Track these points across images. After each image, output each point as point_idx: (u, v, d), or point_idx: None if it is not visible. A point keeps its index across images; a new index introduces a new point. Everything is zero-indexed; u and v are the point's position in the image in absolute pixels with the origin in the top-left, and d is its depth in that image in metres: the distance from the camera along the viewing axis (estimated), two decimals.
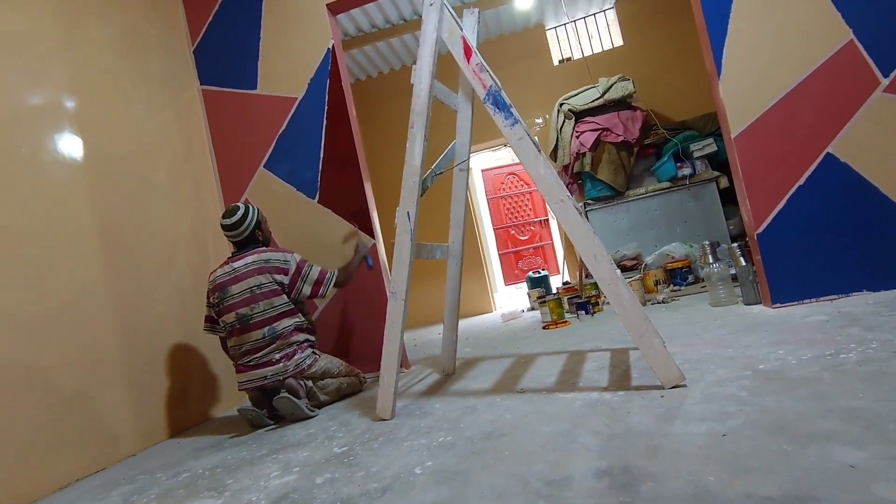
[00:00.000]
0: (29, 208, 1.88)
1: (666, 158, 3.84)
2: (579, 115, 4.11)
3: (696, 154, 3.76)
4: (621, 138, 3.88)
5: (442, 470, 1.20)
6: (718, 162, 3.79)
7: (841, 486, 0.80)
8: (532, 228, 7.69)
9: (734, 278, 2.66)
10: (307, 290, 2.13)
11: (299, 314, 2.13)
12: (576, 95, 4.18)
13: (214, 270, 2.15)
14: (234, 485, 1.42)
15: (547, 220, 7.61)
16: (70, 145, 2.11)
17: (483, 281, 5.02)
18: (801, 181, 2.17)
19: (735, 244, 2.58)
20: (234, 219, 2.14)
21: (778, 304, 2.20)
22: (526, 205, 7.77)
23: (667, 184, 3.89)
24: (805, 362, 1.41)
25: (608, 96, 4.00)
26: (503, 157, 8.09)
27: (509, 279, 7.51)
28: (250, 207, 2.19)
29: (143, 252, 2.33)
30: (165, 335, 2.35)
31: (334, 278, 2.20)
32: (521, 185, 7.74)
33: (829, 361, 1.38)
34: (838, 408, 1.08)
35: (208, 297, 2.15)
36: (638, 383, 1.55)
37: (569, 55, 5.05)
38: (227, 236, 2.18)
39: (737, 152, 2.24)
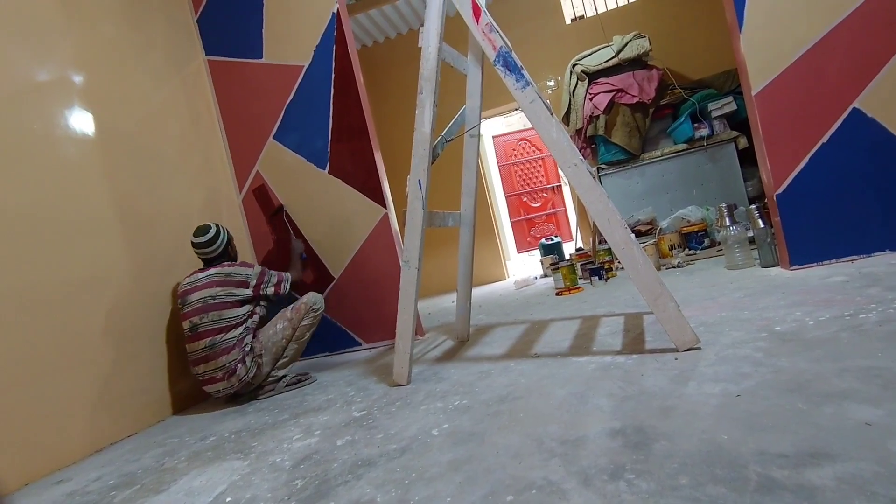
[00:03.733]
0: (45, 185, 1.91)
1: (683, 119, 3.72)
2: (592, 77, 3.98)
3: (715, 114, 3.63)
4: (636, 99, 3.76)
5: (458, 432, 1.23)
6: (738, 121, 3.67)
7: (856, 443, 0.80)
8: (544, 195, 7.60)
9: (751, 241, 2.62)
10: (270, 290, 2.21)
11: (246, 325, 2.11)
12: (589, 55, 4.04)
13: (182, 280, 2.19)
14: (259, 447, 1.48)
15: (560, 186, 7.51)
16: (81, 120, 2.11)
17: (495, 249, 5.01)
18: (825, 138, 2.10)
19: (753, 206, 2.52)
20: (207, 237, 2.17)
21: (796, 266, 2.17)
22: (538, 171, 7.65)
23: (683, 146, 3.79)
24: (823, 323, 1.40)
25: (623, 55, 3.86)
26: (514, 122, 7.93)
27: (522, 247, 7.49)
28: (220, 227, 2.24)
29: (159, 226, 2.36)
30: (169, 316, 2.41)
31: (289, 279, 2.30)
32: (534, 151, 7.61)
33: (848, 322, 1.36)
34: (856, 367, 1.07)
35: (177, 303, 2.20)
36: (652, 346, 1.56)
37: (582, 13, 4.85)
38: (197, 254, 2.21)
39: (758, 110, 2.16)
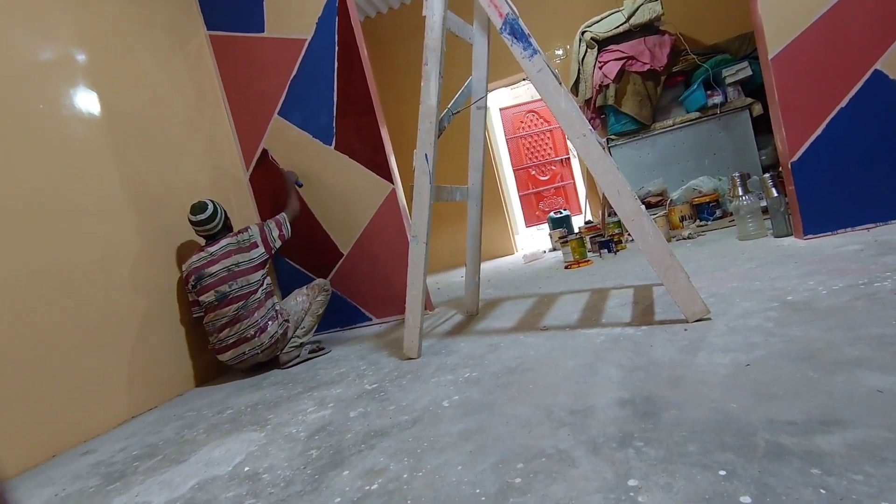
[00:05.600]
0: (52, 165, 1.92)
1: (695, 86, 3.62)
2: (602, 44, 3.87)
3: (729, 80, 3.53)
4: (647, 66, 3.65)
5: (468, 403, 1.25)
6: (753, 88, 3.55)
7: (867, 409, 0.80)
8: (553, 168, 7.51)
9: (764, 211, 2.57)
10: (277, 242, 2.35)
11: (264, 288, 2.23)
12: (599, 21, 3.92)
13: (189, 258, 2.22)
14: (275, 419, 1.52)
15: (568, 158, 7.40)
16: (86, 100, 2.11)
17: (504, 223, 4.99)
18: (844, 103, 2.03)
19: (767, 175, 2.47)
20: (207, 214, 2.22)
21: (810, 235, 2.13)
22: (546, 143, 7.54)
23: (696, 114, 3.70)
24: (836, 292, 1.38)
25: (634, 21, 3.73)
26: (521, 94, 7.77)
27: (530, 221, 7.45)
28: (216, 203, 2.28)
29: (167, 206, 2.37)
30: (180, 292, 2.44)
31: (286, 218, 2.43)
32: (542, 123, 7.49)
33: (862, 290, 1.34)
34: (868, 335, 1.07)
35: (186, 284, 2.23)
36: (661, 318, 1.56)
37: None
38: (198, 231, 2.25)
39: (774, 75, 2.09)
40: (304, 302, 2.35)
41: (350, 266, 2.85)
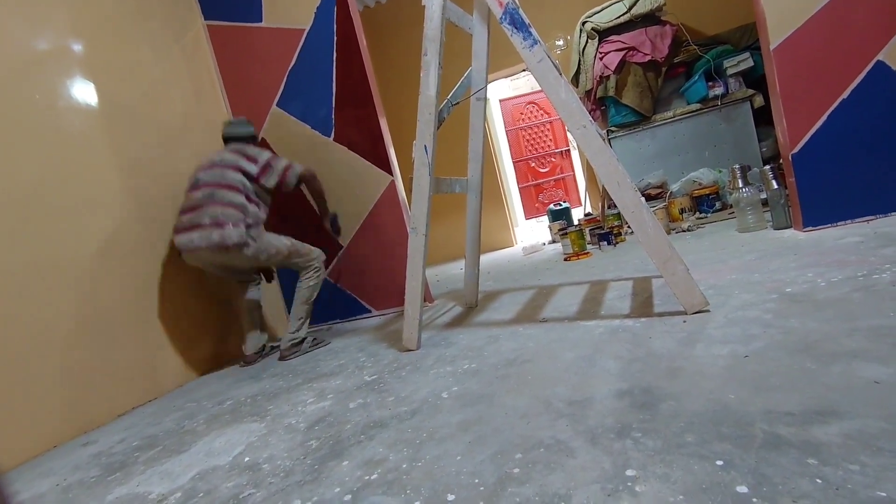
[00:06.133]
0: (49, 157, 1.91)
1: (696, 78, 3.60)
2: (603, 34, 3.84)
3: (730, 71, 3.50)
4: (649, 57, 3.63)
5: (467, 394, 1.26)
6: (754, 79, 3.53)
7: (864, 400, 0.80)
8: (553, 160, 7.48)
9: (764, 203, 2.57)
10: (273, 180, 2.19)
11: (247, 195, 2.10)
12: (600, 12, 3.88)
13: None
14: (275, 410, 1.53)
15: (568, 150, 7.37)
16: (83, 91, 2.09)
17: (503, 215, 4.98)
18: (846, 94, 2.02)
19: (767, 167, 2.46)
20: (240, 120, 2.31)
21: (810, 228, 2.13)
22: (546, 135, 7.50)
23: (696, 105, 3.68)
24: (835, 284, 1.39)
25: (635, 11, 3.70)
26: (521, 85, 7.73)
27: (530, 213, 7.43)
28: (256, 131, 2.34)
29: (165, 197, 2.36)
30: (197, 278, 2.45)
31: (299, 171, 2.22)
32: (542, 115, 7.44)
33: (861, 282, 1.35)
34: (866, 327, 1.07)
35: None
36: (660, 310, 1.56)
37: None
38: (223, 135, 2.29)
39: (776, 65, 2.07)
40: (283, 247, 2.17)
41: (350, 258, 2.85)
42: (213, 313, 2.49)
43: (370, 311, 2.87)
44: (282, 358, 2.22)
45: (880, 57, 1.96)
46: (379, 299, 2.85)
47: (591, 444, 0.88)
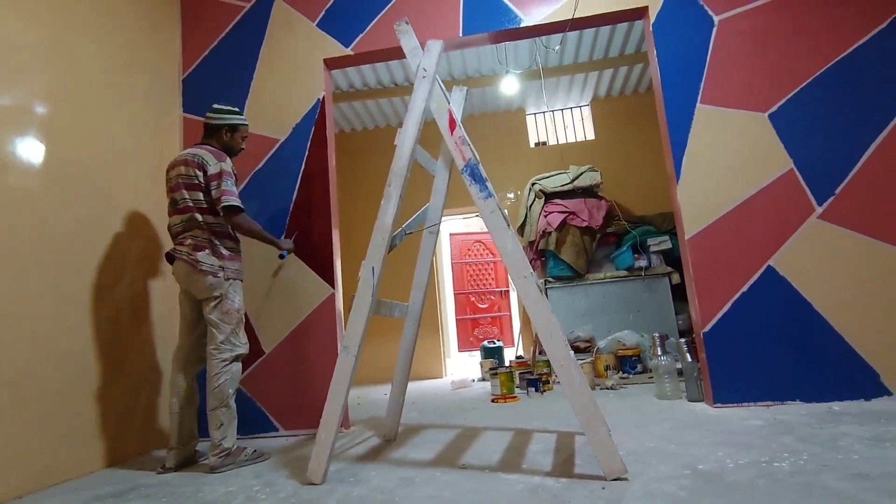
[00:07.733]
0: None
1: (625, 248, 4.04)
2: (549, 196, 4.31)
3: (653, 248, 3.98)
4: (586, 223, 4.07)
5: None
6: (673, 258, 4.01)
7: None
8: (492, 297, 7.75)
9: (680, 373, 2.73)
10: (216, 193, 2.05)
11: (214, 215, 2.08)
12: (548, 178, 4.42)
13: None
14: None
15: (507, 291, 7.71)
16: (30, 150, 2.02)
17: (437, 345, 4.95)
18: (745, 288, 2.32)
19: (683, 339, 2.68)
20: (220, 105, 2.23)
21: (719, 404, 2.26)
22: (489, 273, 7.87)
23: (624, 272, 4.07)
24: (742, 467, 1.44)
25: (577, 183, 4.24)
26: (473, 224, 8.29)
27: (464, 345, 7.42)
28: (241, 119, 2.26)
29: (88, 272, 2.19)
30: (97, 362, 2.16)
31: (236, 204, 2.06)
32: (487, 254, 7.89)
33: (764, 469, 1.40)
34: None
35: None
36: (581, 471, 1.53)
37: (544, 140, 5.40)
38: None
39: (689, 253, 2.38)
40: (229, 320, 2.03)
41: (268, 367, 2.65)
42: (107, 406, 2.15)
43: (277, 430, 2.59)
44: (212, 470, 1.91)
45: (771, 262, 2.31)
46: (290, 418, 2.60)
47: None
